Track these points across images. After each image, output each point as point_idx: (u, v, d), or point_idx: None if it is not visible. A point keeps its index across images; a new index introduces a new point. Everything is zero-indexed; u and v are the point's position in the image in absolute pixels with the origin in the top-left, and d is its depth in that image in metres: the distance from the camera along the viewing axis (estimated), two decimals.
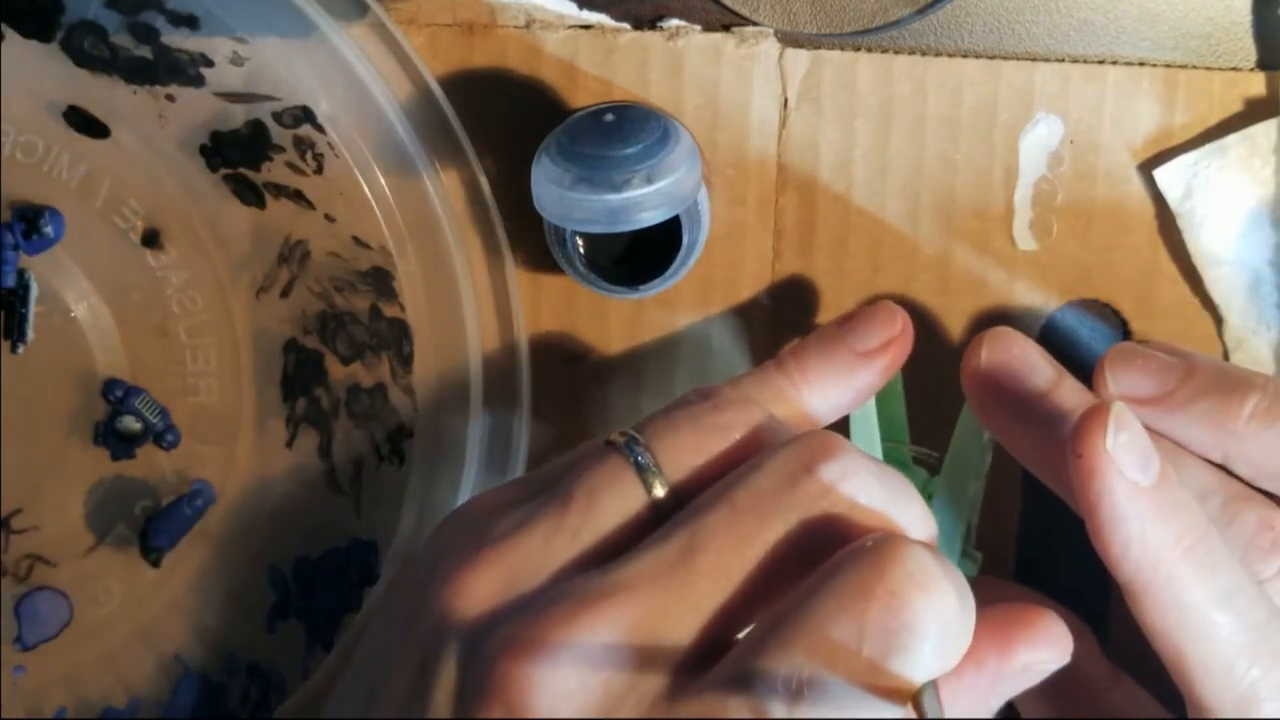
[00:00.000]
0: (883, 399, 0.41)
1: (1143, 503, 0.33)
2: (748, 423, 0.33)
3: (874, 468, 0.32)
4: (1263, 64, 0.43)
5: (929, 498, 0.41)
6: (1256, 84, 0.43)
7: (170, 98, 0.43)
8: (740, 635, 0.31)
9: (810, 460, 0.31)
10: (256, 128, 0.43)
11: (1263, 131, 0.43)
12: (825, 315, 0.45)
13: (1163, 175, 0.43)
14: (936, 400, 0.45)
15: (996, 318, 0.45)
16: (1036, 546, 0.46)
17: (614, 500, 0.32)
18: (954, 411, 0.45)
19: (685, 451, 0.32)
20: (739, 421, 0.33)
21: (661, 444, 0.32)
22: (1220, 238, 0.43)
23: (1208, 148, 0.43)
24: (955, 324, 0.45)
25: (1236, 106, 0.43)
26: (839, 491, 0.31)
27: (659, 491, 0.32)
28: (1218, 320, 0.44)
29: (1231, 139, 0.43)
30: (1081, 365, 0.45)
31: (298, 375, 0.45)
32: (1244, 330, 0.44)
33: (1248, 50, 0.43)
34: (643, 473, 0.32)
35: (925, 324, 0.45)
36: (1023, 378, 0.38)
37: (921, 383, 0.45)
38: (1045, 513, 0.45)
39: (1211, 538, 0.34)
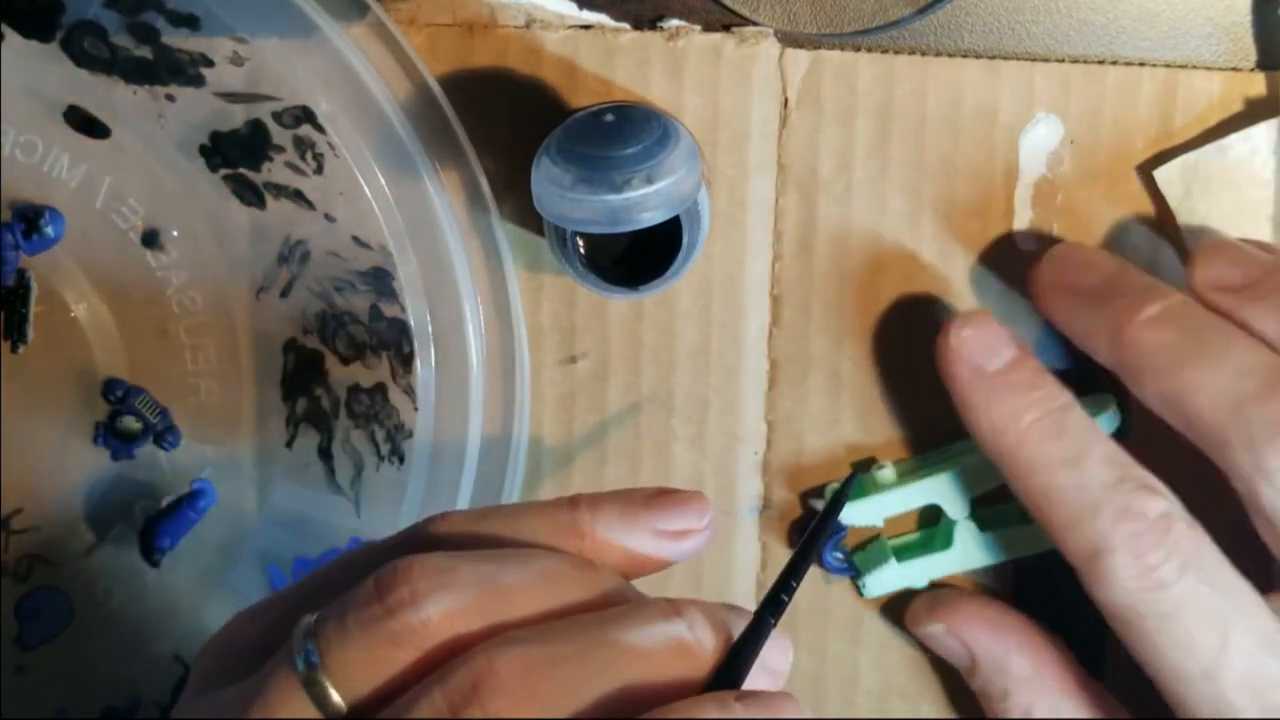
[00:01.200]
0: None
1: (986, 385, 0.40)
2: (419, 632, 0.31)
3: (544, 693, 0.29)
4: (1263, 64, 0.43)
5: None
6: (1256, 84, 0.43)
7: (170, 98, 0.43)
8: None
9: (460, 704, 0.29)
10: (256, 128, 0.43)
11: (1263, 132, 0.43)
12: (825, 315, 0.45)
13: (1163, 175, 0.43)
14: (937, 401, 0.45)
15: (997, 318, 0.45)
16: (1033, 574, 0.45)
17: (287, 716, 0.30)
18: (953, 410, 0.45)
19: (357, 663, 0.31)
20: (409, 630, 0.31)
21: (332, 653, 0.30)
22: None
23: (1208, 148, 0.43)
24: None
25: (1237, 106, 0.43)
26: None
27: (333, 709, 0.30)
28: None
29: (1232, 139, 0.43)
30: (1082, 363, 0.45)
31: (298, 375, 0.45)
32: None
33: (1248, 50, 0.43)
34: (313, 689, 0.30)
35: (925, 324, 0.45)
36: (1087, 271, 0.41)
37: (921, 383, 0.45)
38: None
39: (1068, 411, 0.40)
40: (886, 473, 0.45)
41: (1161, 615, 0.37)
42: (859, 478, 0.44)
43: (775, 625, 0.32)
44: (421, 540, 0.34)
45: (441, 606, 0.31)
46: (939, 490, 0.44)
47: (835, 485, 0.45)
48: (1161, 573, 0.37)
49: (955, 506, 0.44)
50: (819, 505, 0.45)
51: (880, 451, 0.46)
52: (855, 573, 0.45)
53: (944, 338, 0.41)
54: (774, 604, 0.33)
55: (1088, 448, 0.39)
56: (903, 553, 0.45)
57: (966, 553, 0.44)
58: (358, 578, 0.31)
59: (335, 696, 0.30)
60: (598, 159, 0.37)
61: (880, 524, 0.44)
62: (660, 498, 0.35)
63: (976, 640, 0.43)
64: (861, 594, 0.45)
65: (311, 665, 0.30)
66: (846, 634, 0.47)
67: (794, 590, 0.33)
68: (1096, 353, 0.40)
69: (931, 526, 0.46)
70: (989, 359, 0.40)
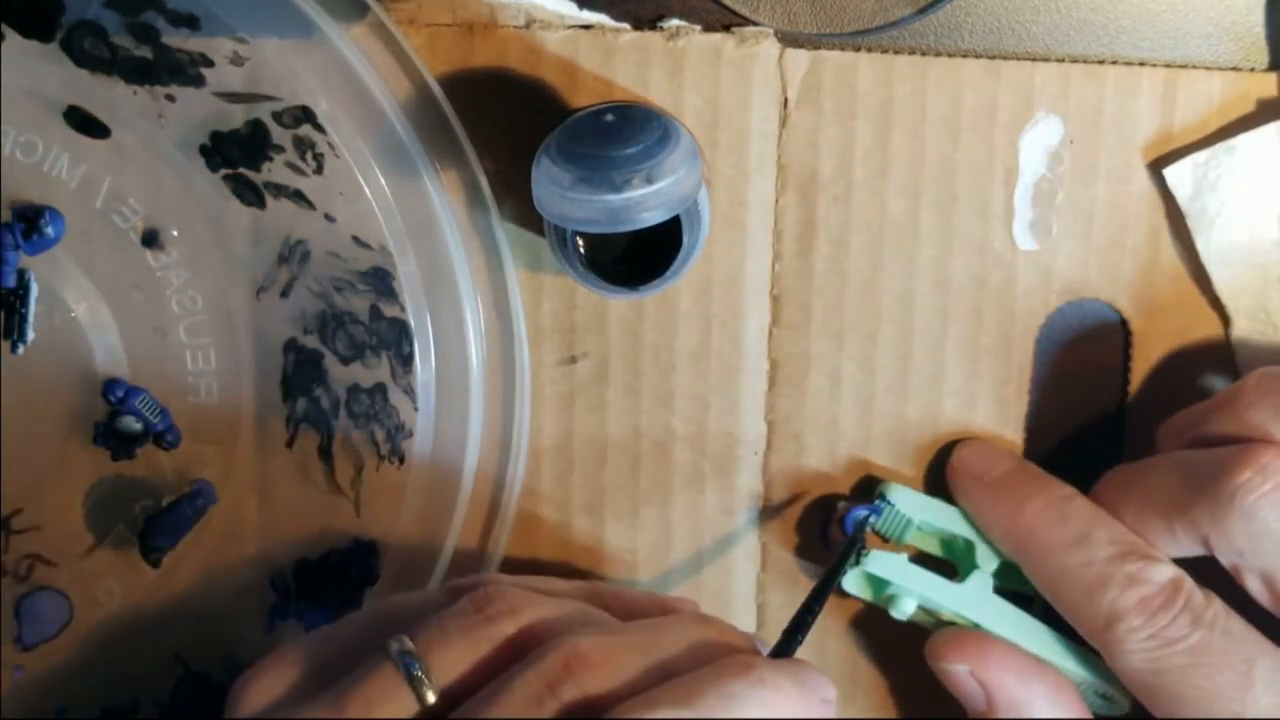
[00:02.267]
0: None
1: (991, 489, 0.43)
2: (517, 638, 0.35)
3: (626, 668, 0.34)
4: (1275, 64, 0.43)
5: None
6: (1259, 84, 0.43)
7: (170, 98, 0.43)
8: None
9: (555, 682, 0.33)
10: (256, 128, 0.43)
11: (1273, 132, 0.43)
12: (825, 315, 0.45)
13: (1172, 174, 0.43)
14: (938, 401, 0.45)
15: (997, 317, 0.45)
16: None
17: (386, 710, 0.34)
18: (953, 412, 0.45)
19: (457, 662, 0.35)
20: (505, 636, 0.35)
21: (434, 655, 0.35)
22: (1230, 237, 0.43)
23: (1218, 147, 0.43)
24: (955, 324, 0.45)
25: (1237, 106, 0.43)
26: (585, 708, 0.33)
27: (430, 699, 0.34)
28: (1225, 320, 0.44)
29: (1241, 139, 0.43)
30: (1079, 364, 0.45)
31: (298, 375, 0.45)
32: (1251, 331, 0.44)
33: (1248, 49, 0.43)
34: (414, 683, 0.34)
35: (925, 324, 0.45)
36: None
37: (922, 384, 0.45)
38: None
39: (1071, 499, 0.42)
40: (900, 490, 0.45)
41: (1180, 669, 0.39)
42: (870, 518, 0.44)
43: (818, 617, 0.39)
44: (470, 588, 0.38)
45: (538, 616, 0.36)
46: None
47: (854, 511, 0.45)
48: (1173, 630, 0.39)
49: (987, 554, 0.44)
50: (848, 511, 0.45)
51: (879, 451, 0.46)
52: (862, 546, 0.44)
53: (949, 462, 0.44)
54: (822, 595, 0.40)
55: (1092, 529, 0.41)
56: (917, 557, 0.45)
57: (968, 598, 0.43)
58: (408, 622, 0.36)
59: (430, 691, 0.34)
60: (598, 159, 0.37)
61: (916, 520, 0.44)
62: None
63: (1002, 685, 0.42)
64: (858, 561, 0.43)
65: (411, 669, 0.34)
66: (847, 635, 0.47)
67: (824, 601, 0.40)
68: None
69: (956, 553, 0.45)
70: (989, 469, 0.43)
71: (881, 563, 0.43)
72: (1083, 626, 0.41)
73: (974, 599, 0.43)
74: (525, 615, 0.36)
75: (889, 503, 0.44)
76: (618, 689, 0.34)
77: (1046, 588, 0.42)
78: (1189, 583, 0.40)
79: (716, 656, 0.35)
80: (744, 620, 0.47)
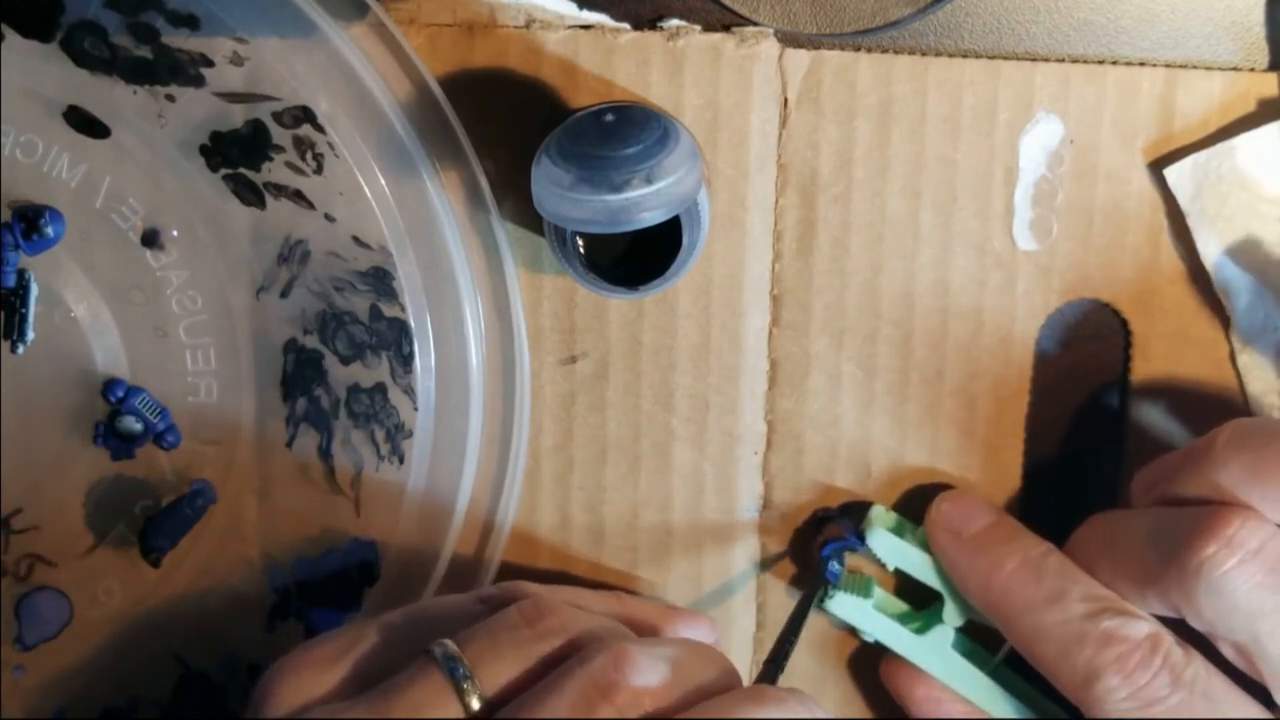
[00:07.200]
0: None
1: (967, 546, 0.43)
2: (567, 648, 0.36)
3: (670, 681, 0.35)
4: (1275, 64, 0.43)
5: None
6: (1259, 83, 0.43)
7: (170, 98, 0.43)
8: None
9: (606, 684, 0.34)
10: (256, 128, 0.43)
11: (1273, 132, 0.43)
12: (825, 315, 0.45)
13: (1173, 174, 0.43)
14: (938, 401, 0.45)
15: (997, 317, 0.45)
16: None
17: (434, 715, 0.35)
18: (953, 412, 0.45)
19: (506, 674, 0.36)
20: (558, 651, 0.36)
21: (483, 665, 0.35)
22: (1230, 237, 0.43)
23: (1218, 147, 0.43)
24: (955, 324, 0.45)
25: (1237, 106, 0.43)
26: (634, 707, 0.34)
27: (475, 706, 0.35)
28: (1225, 320, 0.44)
29: (1241, 139, 0.43)
30: (1079, 364, 0.45)
31: (298, 375, 0.45)
32: (1251, 331, 0.44)
33: (1248, 50, 0.43)
34: (460, 689, 0.35)
35: (925, 324, 0.45)
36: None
37: (922, 384, 0.45)
38: None
39: (1047, 556, 0.42)
40: (885, 516, 0.45)
41: None
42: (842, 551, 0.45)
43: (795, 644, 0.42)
44: (502, 597, 0.40)
45: (585, 632, 0.37)
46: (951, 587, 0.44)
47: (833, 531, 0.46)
48: (1152, 689, 0.38)
49: (954, 611, 0.44)
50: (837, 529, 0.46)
51: (878, 452, 0.46)
52: (835, 581, 0.44)
53: (928, 515, 0.44)
54: (795, 628, 0.42)
55: (1068, 586, 0.41)
56: (884, 603, 0.45)
57: (926, 651, 0.44)
58: (443, 627, 0.37)
59: (475, 698, 0.35)
60: (598, 159, 0.37)
61: (891, 566, 0.44)
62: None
63: (919, 709, 0.44)
64: (822, 602, 0.45)
65: (457, 675, 0.35)
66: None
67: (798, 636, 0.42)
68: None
69: (925, 604, 0.46)
70: (967, 525, 0.43)
71: (845, 607, 0.44)
72: (1062, 685, 0.40)
73: (932, 653, 0.44)
74: (574, 632, 0.37)
75: (867, 546, 0.44)
76: (664, 699, 0.35)
77: (1024, 646, 0.41)
78: (1168, 639, 0.39)
79: (736, 683, 0.37)
80: (744, 620, 0.47)
